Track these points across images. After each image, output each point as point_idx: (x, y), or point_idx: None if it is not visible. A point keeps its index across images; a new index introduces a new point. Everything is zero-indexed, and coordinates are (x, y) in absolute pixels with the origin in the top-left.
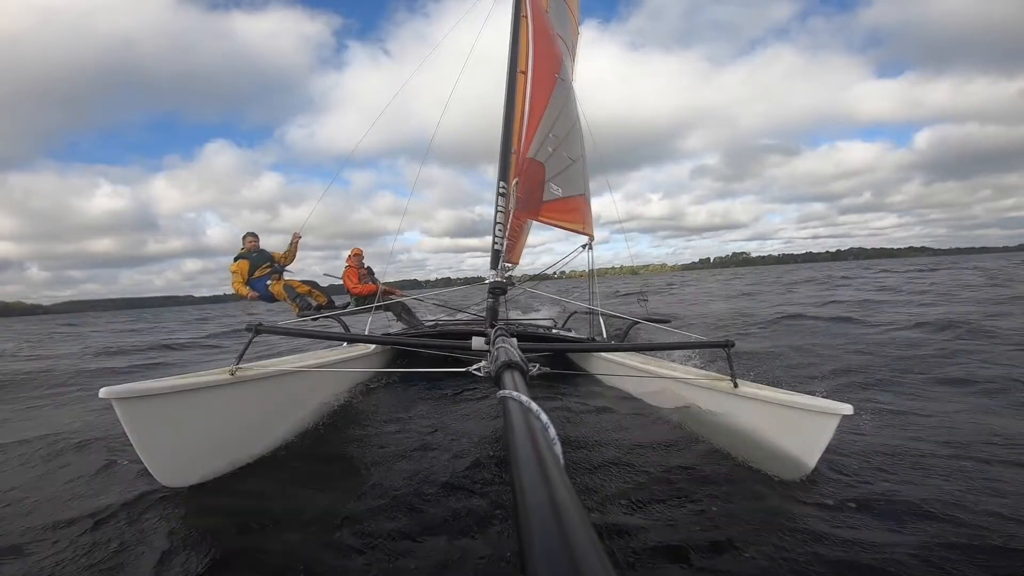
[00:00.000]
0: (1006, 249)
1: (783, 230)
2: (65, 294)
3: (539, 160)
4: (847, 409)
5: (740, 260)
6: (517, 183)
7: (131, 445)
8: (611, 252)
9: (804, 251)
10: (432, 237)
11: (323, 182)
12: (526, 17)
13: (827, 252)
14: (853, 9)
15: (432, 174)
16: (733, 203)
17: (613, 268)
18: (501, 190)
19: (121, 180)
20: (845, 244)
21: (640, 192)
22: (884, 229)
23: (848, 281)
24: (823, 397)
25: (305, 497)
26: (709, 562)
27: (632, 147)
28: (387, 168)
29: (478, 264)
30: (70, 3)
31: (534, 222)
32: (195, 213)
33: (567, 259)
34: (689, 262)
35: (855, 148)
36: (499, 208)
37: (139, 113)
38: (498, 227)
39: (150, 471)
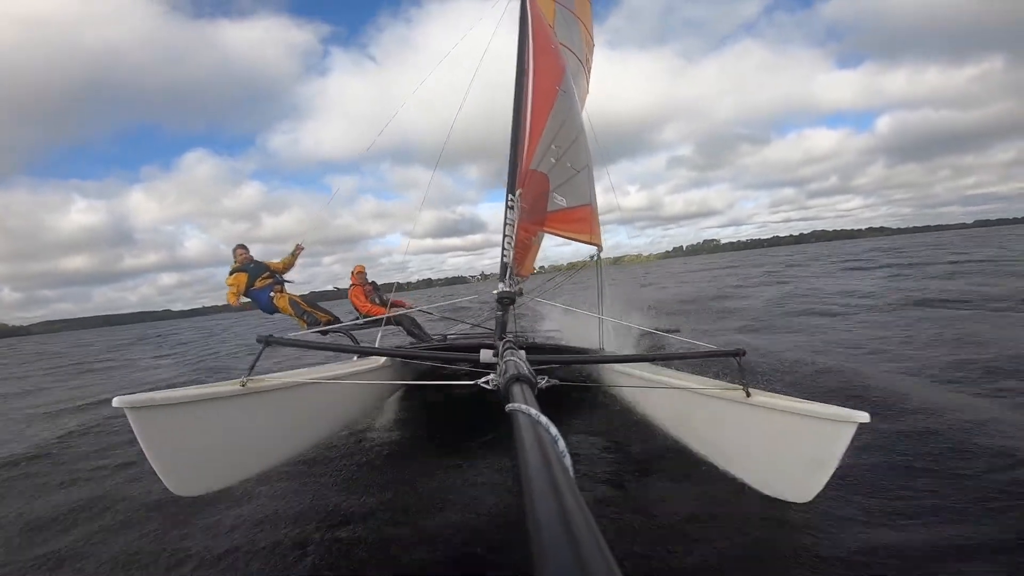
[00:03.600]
0: (963, 226)
1: (756, 215)
2: (36, 314)
3: (542, 171)
4: (863, 417)
5: (710, 247)
6: (520, 194)
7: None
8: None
9: (772, 235)
10: (413, 239)
11: (304, 189)
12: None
13: (791, 236)
14: (813, 4)
15: (417, 176)
16: (708, 191)
17: (595, 260)
18: (509, 203)
19: (97, 194)
20: (815, 227)
21: (618, 184)
22: (851, 211)
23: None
24: (838, 406)
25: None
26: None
27: (610, 142)
28: (370, 173)
29: (459, 264)
30: (57, 15)
31: (545, 234)
32: (173, 225)
33: (575, 270)
34: (664, 251)
35: (821, 135)
36: (507, 220)
37: (118, 124)
38: (506, 239)
39: (162, 479)
